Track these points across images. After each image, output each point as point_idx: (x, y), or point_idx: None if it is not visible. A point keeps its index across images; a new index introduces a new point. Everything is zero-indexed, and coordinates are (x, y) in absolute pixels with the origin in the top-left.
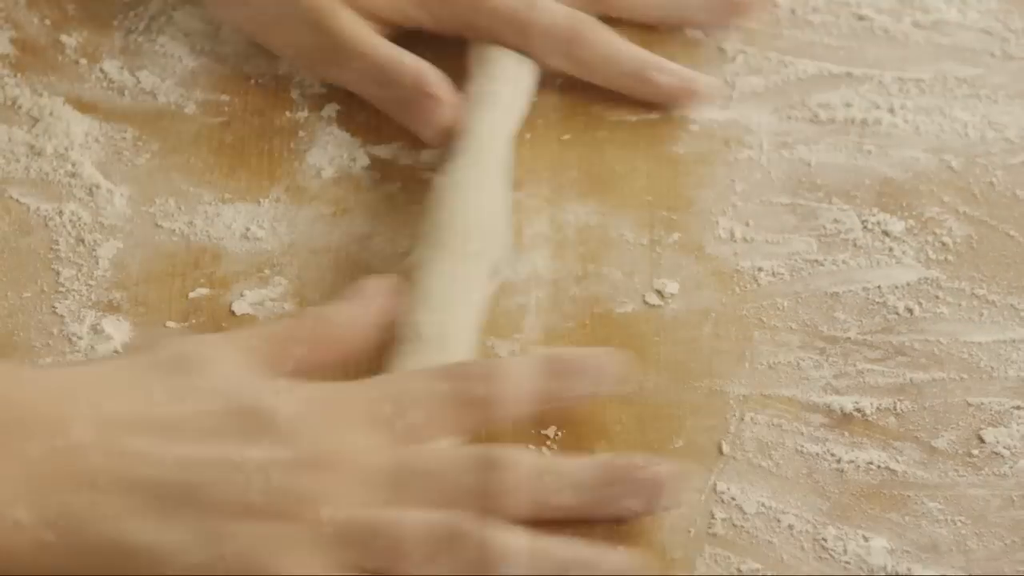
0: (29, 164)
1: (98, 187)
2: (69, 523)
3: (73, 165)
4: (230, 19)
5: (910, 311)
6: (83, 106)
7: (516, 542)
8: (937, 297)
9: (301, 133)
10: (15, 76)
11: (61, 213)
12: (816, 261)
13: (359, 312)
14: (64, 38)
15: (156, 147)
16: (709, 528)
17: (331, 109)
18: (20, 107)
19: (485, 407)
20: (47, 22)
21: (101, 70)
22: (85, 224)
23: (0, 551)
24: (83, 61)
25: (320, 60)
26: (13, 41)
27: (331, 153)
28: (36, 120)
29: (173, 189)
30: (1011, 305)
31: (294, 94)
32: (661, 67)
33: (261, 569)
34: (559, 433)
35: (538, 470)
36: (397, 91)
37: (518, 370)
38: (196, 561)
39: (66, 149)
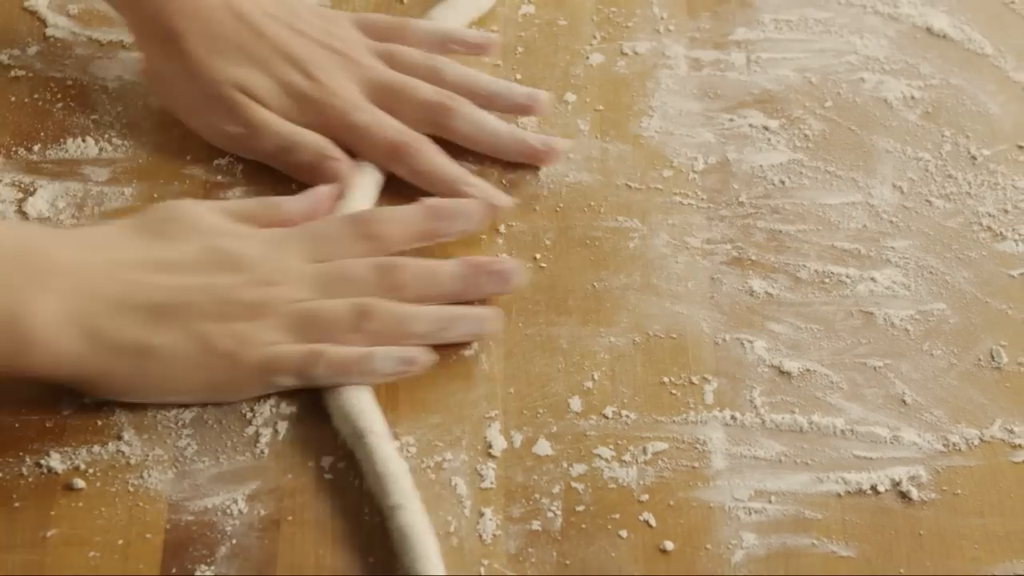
0: None
1: None
2: (100, 335)
3: None
4: (166, 103)
5: (782, 182)
6: None
7: (416, 308)
8: (801, 173)
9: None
10: None
11: None
12: (716, 148)
13: (308, 208)
14: None
15: None
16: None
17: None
18: None
19: (378, 239)
20: None
21: None
22: None
23: (52, 362)
24: None
25: (238, 140)
26: None
27: None
28: None
29: None
30: (852, 178)
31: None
32: (468, 182)
33: (231, 351)
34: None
35: (422, 268)
36: (303, 158)
37: (403, 214)
38: (187, 351)
39: None
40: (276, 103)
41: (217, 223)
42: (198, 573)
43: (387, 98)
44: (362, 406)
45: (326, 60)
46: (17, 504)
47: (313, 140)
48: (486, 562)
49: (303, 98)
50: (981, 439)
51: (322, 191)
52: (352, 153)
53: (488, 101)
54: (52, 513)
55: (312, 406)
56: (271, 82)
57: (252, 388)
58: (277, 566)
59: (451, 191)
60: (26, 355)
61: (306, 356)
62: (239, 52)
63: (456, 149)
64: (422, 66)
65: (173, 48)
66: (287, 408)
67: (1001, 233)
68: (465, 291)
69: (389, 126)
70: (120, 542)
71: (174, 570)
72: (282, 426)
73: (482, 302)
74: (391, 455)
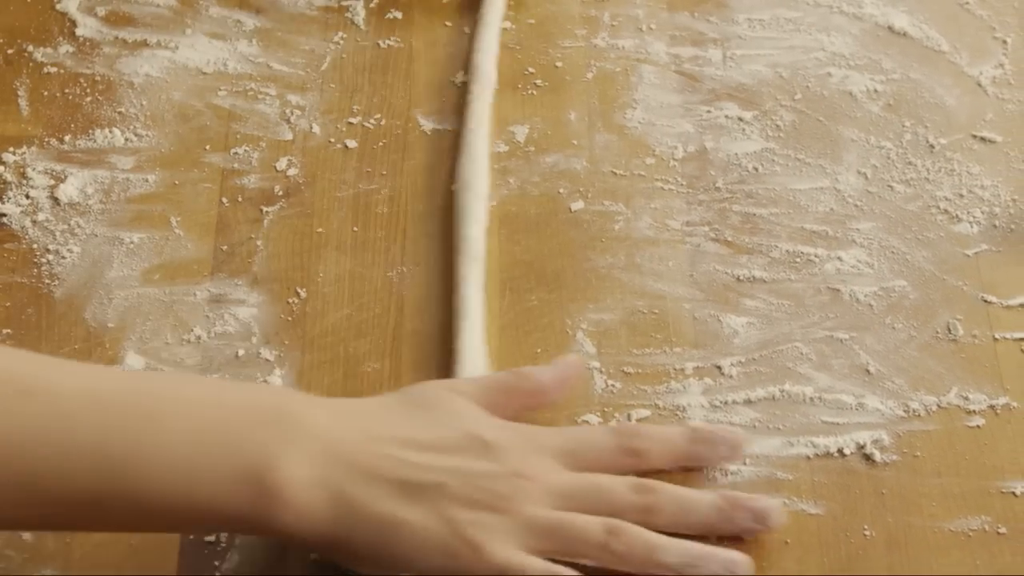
0: None
1: None
2: (349, 502)
3: None
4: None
5: (756, 169)
6: None
7: (667, 538)
8: (773, 160)
9: None
10: None
11: None
12: (695, 138)
13: (559, 378)
14: None
15: None
16: None
17: None
18: None
19: (639, 456)
20: None
21: None
22: None
23: (297, 522)
24: None
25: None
26: None
27: None
28: None
29: None
30: (820, 165)
31: None
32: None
33: (479, 544)
34: None
35: (679, 495)
36: None
37: (669, 434)
38: (435, 533)
39: None
40: None
41: (476, 413)
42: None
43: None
44: None
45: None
46: None
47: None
48: None
49: None
50: (939, 405)
51: (572, 360)
52: None
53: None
54: None
55: (315, 384)
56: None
57: None
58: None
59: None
60: (272, 511)
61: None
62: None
63: None
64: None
65: None
66: (295, 381)
67: (957, 216)
68: (720, 524)
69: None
70: None
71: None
72: None
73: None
74: None
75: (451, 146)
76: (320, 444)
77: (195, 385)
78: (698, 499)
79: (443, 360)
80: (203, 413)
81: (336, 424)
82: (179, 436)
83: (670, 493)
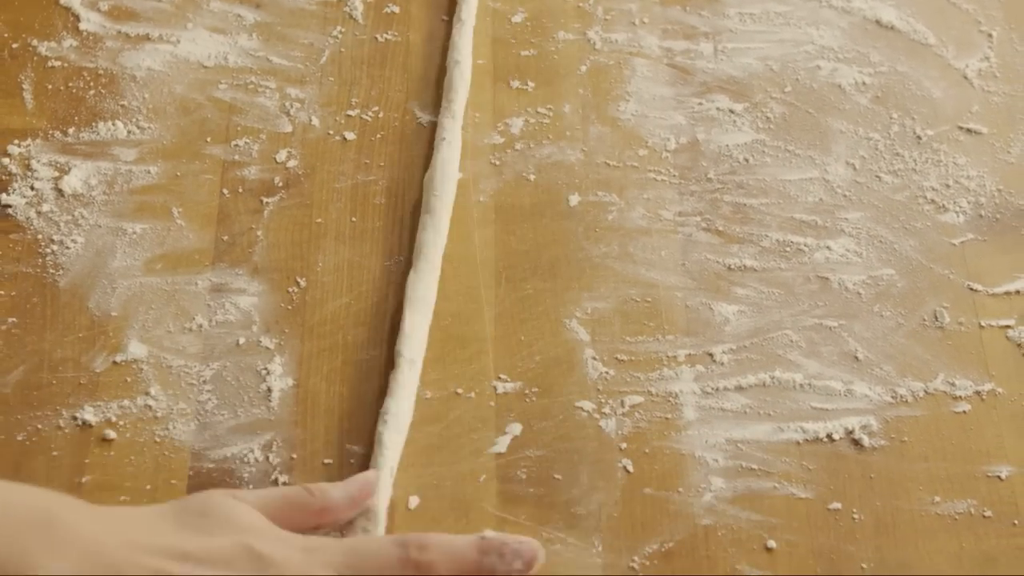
0: None
1: None
2: None
3: None
4: None
5: (747, 160)
6: None
7: None
8: (763, 151)
9: None
10: None
11: None
12: (687, 130)
13: (350, 497)
14: None
15: None
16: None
17: None
18: None
19: (424, 569)
20: None
21: None
22: None
23: None
24: None
25: None
26: None
27: None
28: None
29: None
30: (809, 156)
31: None
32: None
33: None
34: None
35: (440, 544)
36: None
37: (457, 545)
38: None
39: None
40: None
41: (255, 522)
42: None
43: None
44: None
45: None
46: (55, 453)
47: None
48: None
49: None
50: (925, 391)
51: (367, 478)
52: None
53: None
54: (87, 461)
55: (314, 372)
56: None
57: None
58: None
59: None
60: None
61: None
62: None
63: None
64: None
65: None
66: (295, 368)
67: (943, 205)
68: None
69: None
70: (148, 487)
71: None
72: (291, 383)
73: None
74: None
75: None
76: (82, 554)
77: None
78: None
79: (440, 349)
80: None
81: (101, 531)
82: None
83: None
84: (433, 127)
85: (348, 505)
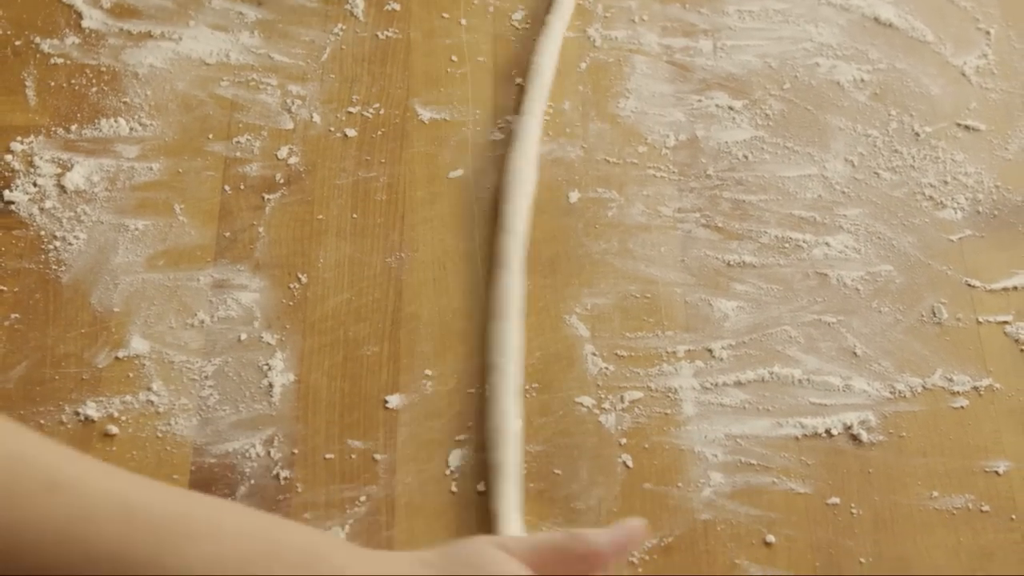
0: None
1: None
2: None
3: None
4: None
5: (746, 157)
6: None
7: None
8: (762, 148)
9: None
10: None
11: None
12: (686, 126)
13: (617, 543)
14: None
15: None
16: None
17: None
18: None
19: None
20: None
21: None
22: None
23: None
24: None
25: None
26: None
27: None
28: None
29: None
30: (808, 153)
31: None
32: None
33: None
34: None
35: None
36: None
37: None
38: None
39: None
40: None
41: (516, 572)
42: None
43: None
44: None
45: None
46: None
47: None
48: None
49: None
50: (923, 387)
51: (634, 524)
52: None
53: None
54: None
55: (315, 367)
56: None
57: None
58: (292, 504)
59: None
60: None
61: None
62: None
63: None
64: None
65: None
66: (296, 364)
67: (942, 202)
68: None
69: None
70: None
71: None
72: (292, 378)
73: None
74: None
75: (448, 135)
76: None
77: (231, 514)
78: None
79: (440, 344)
80: (237, 544)
81: (367, 573)
82: (201, 561)
83: None
84: (433, 124)
85: (615, 551)
